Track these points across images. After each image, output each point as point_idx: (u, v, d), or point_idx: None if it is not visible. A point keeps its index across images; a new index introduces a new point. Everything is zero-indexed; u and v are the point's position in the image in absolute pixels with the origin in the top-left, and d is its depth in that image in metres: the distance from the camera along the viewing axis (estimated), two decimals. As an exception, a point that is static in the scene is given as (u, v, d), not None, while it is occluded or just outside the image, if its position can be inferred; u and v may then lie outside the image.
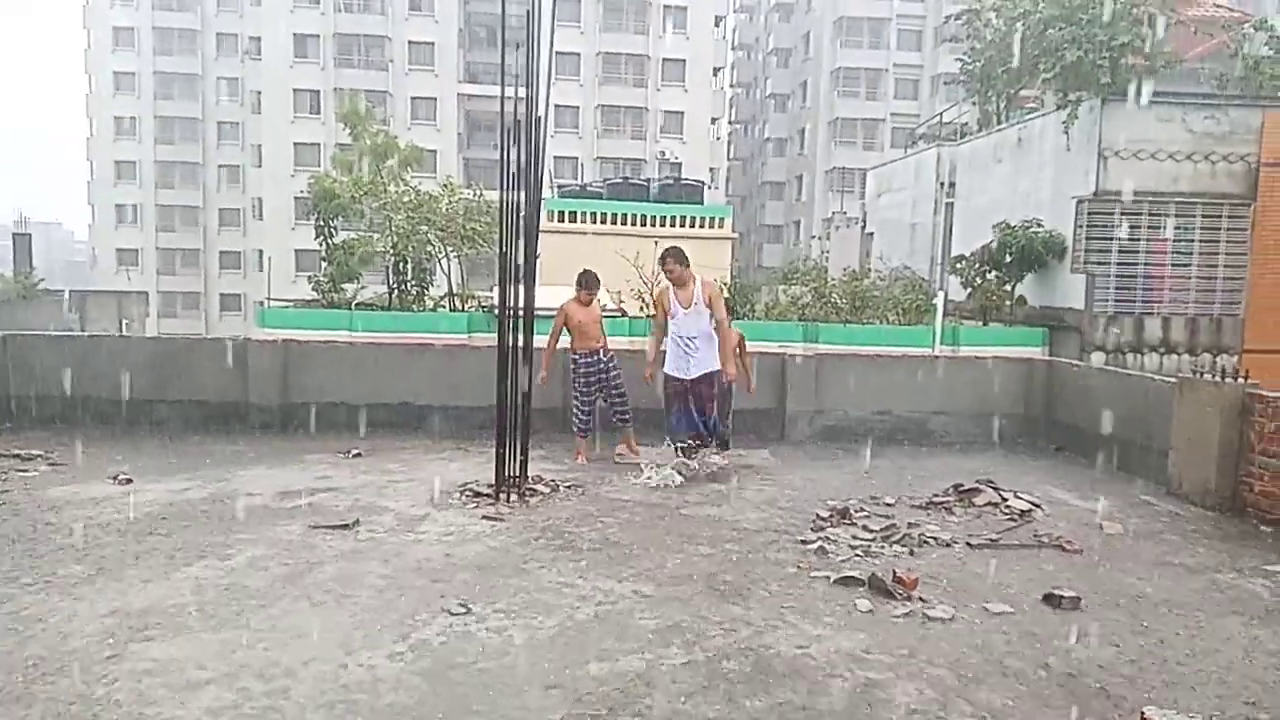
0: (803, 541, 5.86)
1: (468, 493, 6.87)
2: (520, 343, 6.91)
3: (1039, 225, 15.23)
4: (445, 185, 17.02)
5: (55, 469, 7.41)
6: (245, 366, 9.33)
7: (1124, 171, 14.42)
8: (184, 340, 10.92)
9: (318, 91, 49.80)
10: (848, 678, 3.88)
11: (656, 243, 16.46)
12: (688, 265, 7.83)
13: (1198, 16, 17.83)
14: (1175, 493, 7.43)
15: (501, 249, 6.83)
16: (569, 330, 8.27)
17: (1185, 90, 15.46)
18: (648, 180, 27.93)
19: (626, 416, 8.44)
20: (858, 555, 5.59)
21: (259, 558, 5.24)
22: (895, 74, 57.43)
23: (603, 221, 22.71)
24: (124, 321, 29.02)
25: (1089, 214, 14.66)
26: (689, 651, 4.09)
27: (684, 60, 52.16)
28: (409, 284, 16.17)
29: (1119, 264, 14.71)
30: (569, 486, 7.21)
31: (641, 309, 13.81)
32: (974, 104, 20.86)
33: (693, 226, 23.27)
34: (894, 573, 5.04)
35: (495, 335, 7.03)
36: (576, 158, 51.18)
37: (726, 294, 15.02)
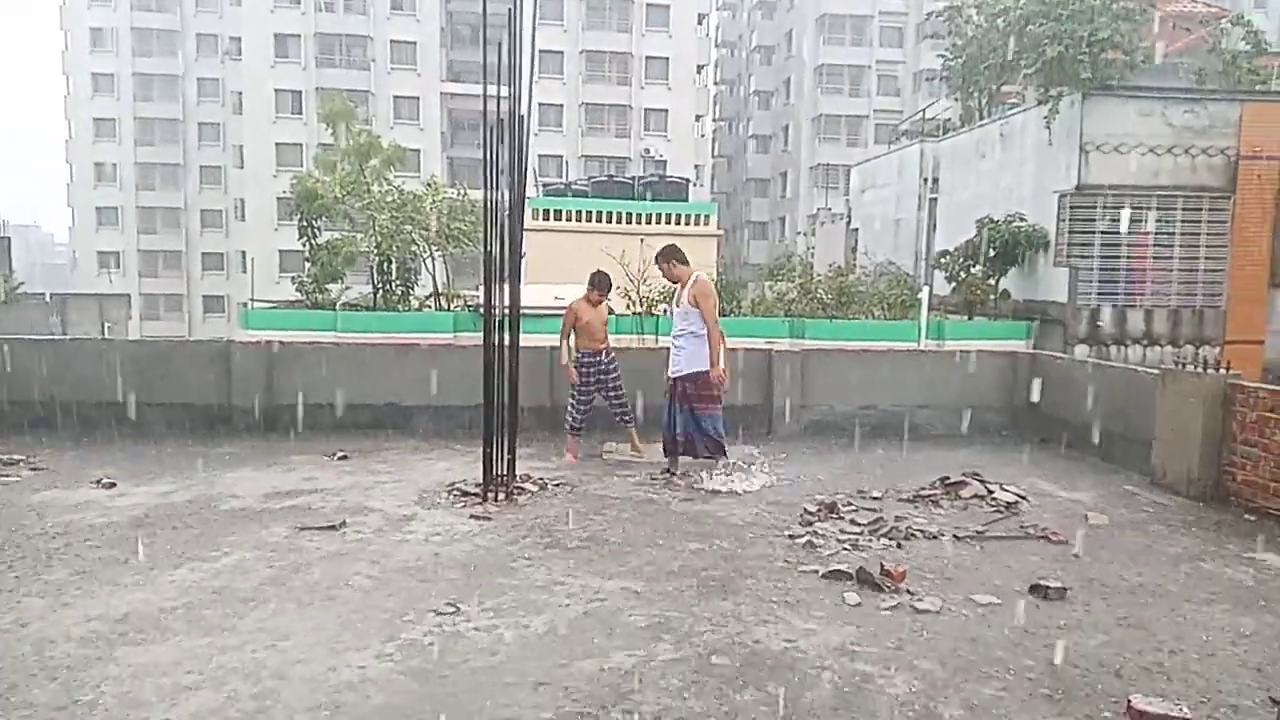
0: (791, 536, 5.87)
1: (455, 492, 6.85)
2: (507, 342, 6.90)
3: (1022, 220, 15.34)
4: (429, 185, 16.98)
5: (38, 473, 7.33)
6: (229, 368, 9.27)
7: (1105, 165, 14.55)
8: (167, 343, 10.84)
9: (299, 92, 49.50)
10: (837, 671, 3.89)
11: (642, 240, 16.50)
12: (683, 262, 7.73)
13: (1176, 12, 17.99)
14: (1159, 483, 7.50)
15: (486, 248, 6.81)
16: (575, 329, 8.29)
17: (1165, 85, 15.60)
18: (632, 178, 27.94)
19: (628, 417, 8.48)
20: (846, 549, 5.61)
21: (245, 560, 5.21)
22: (878, 70, 57.63)
23: (588, 220, 22.71)
24: (106, 324, 28.75)
25: (1071, 208, 14.78)
26: (678, 647, 4.10)
27: (667, 58, 52.16)
28: (394, 284, 16.12)
29: (1101, 257, 14.84)
30: (557, 485, 7.20)
31: (628, 307, 13.82)
32: (956, 100, 20.98)
33: (678, 224, 23.28)
34: (882, 566, 5.07)
35: (481, 334, 7.00)
36: (561, 156, 51.10)
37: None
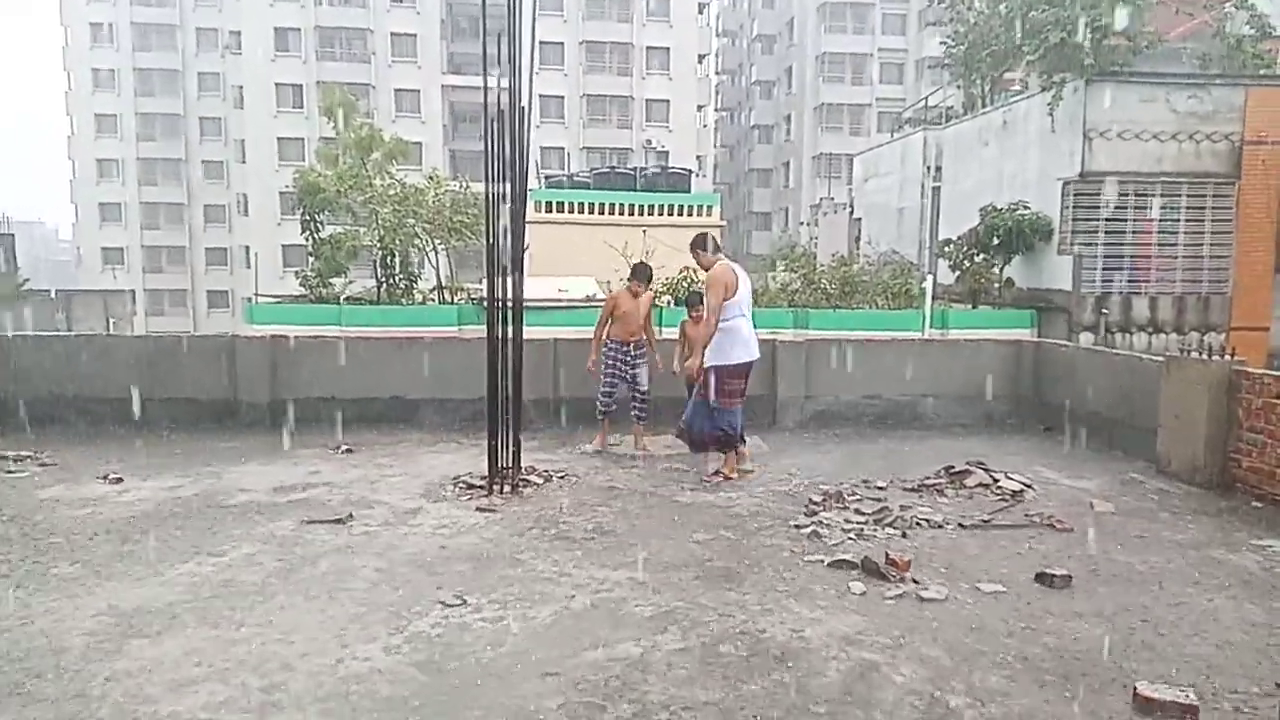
0: (796, 526, 5.88)
1: (461, 485, 6.86)
2: (510, 334, 6.90)
3: (1025, 207, 15.26)
4: (431, 177, 16.93)
5: (45, 469, 7.36)
6: (234, 363, 9.29)
7: (1109, 152, 14.47)
8: (172, 338, 10.85)
9: (300, 85, 49.40)
10: (842, 660, 3.90)
11: (644, 232, 16.47)
12: (711, 251, 7.49)
13: (1180, -4, 17.85)
14: (1164, 470, 7.49)
15: (489, 241, 6.81)
16: (613, 317, 8.26)
17: (1168, 70, 15.50)
18: (634, 169, 27.85)
19: (643, 415, 8.41)
20: (851, 538, 5.62)
21: (252, 554, 5.23)
22: (880, 58, 57.36)
23: (590, 211, 22.66)
24: (111, 320, 28.81)
25: (1075, 195, 14.71)
26: (684, 637, 4.11)
27: (668, 48, 51.94)
28: (397, 277, 16.08)
29: (1106, 244, 14.76)
30: (562, 476, 7.22)
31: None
32: (959, 87, 20.87)
33: (680, 215, 23.23)
34: (887, 555, 5.07)
35: (485, 327, 7.01)
36: (563, 148, 50.96)
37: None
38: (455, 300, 15.80)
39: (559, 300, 13.97)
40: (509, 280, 6.87)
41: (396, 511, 6.18)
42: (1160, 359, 7.95)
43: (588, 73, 51.73)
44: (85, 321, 26.66)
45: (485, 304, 6.97)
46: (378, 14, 50.26)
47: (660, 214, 22.78)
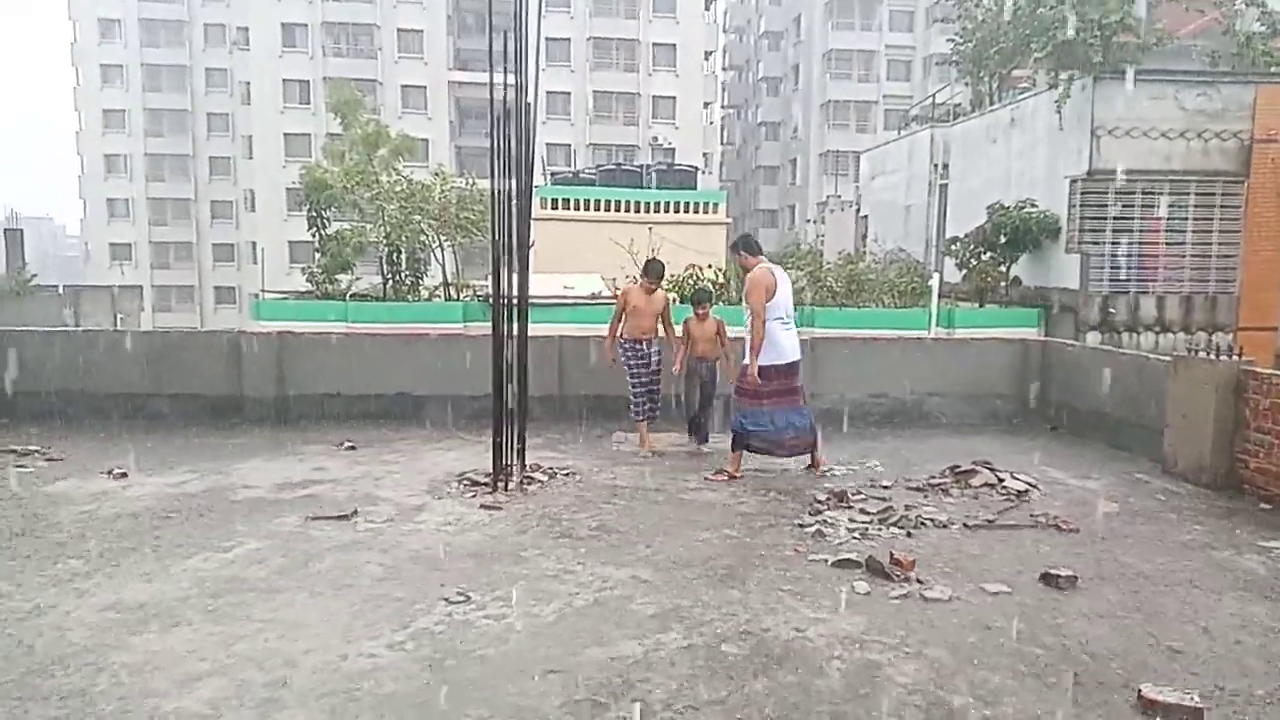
0: (800, 525, 5.88)
1: (465, 482, 6.87)
2: (516, 331, 6.90)
3: (1033, 205, 15.21)
4: (437, 174, 16.94)
5: (52, 464, 7.39)
6: (240, 359, 9.32)
7: (1117, 150, 14.40)
8: (179, 334, 10.88)
9: (307, 81, 49.47)
10: (846, 659, 3.90)
11: (650, 229, 16.47)
12: (753, 253, 7.45)
13: (1190, -7, 17.74)
14: (1171, 471, 7.46)
15: (495, 237, 6.81)
16: (625, 314, 8.22)
17: (1178, 68, 15.42)
18: (641, 166, 27.83)
19: (653, 414, 8.35)
20: (855, 538, 5.61)
21: (257, 550, 5.25)
22: (887, 55, 57.22)
23: (596, 208, 22.66)
24: (118, 316, 28.87)
25: (1082, 193, 14.65)
26: (688, 636, 4.11)
27: (675, 44, 51.86)
28: (403, 274, 16.10)
29: (1113, 243, 14.70)
30: (566, 474, 7.22)
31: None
32: (966, 85, 20.79)
33: (687, 212, 23.22)
34: (891, 554, 5.06)
35: (490, 324, 7.01)
36: (569, 144, 50.96)
37: (720, 279, 15.01)
38: (461, 297, 15.82)
39: (565, 297, 13.98)
40: (515, 277, 6.87)
41: (401, 508, 6.19)
42: (1167, 359, 7.92)
43: (594, 69, 51.70)
44: (93, 317, 26.71)
45: (491, 301, 6.97)
46: (384, 10, 50.30)
47: (666, 211, 22.77)
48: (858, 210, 25.26)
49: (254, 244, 48.24)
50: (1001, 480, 6.97)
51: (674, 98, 51.85)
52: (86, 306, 27.55)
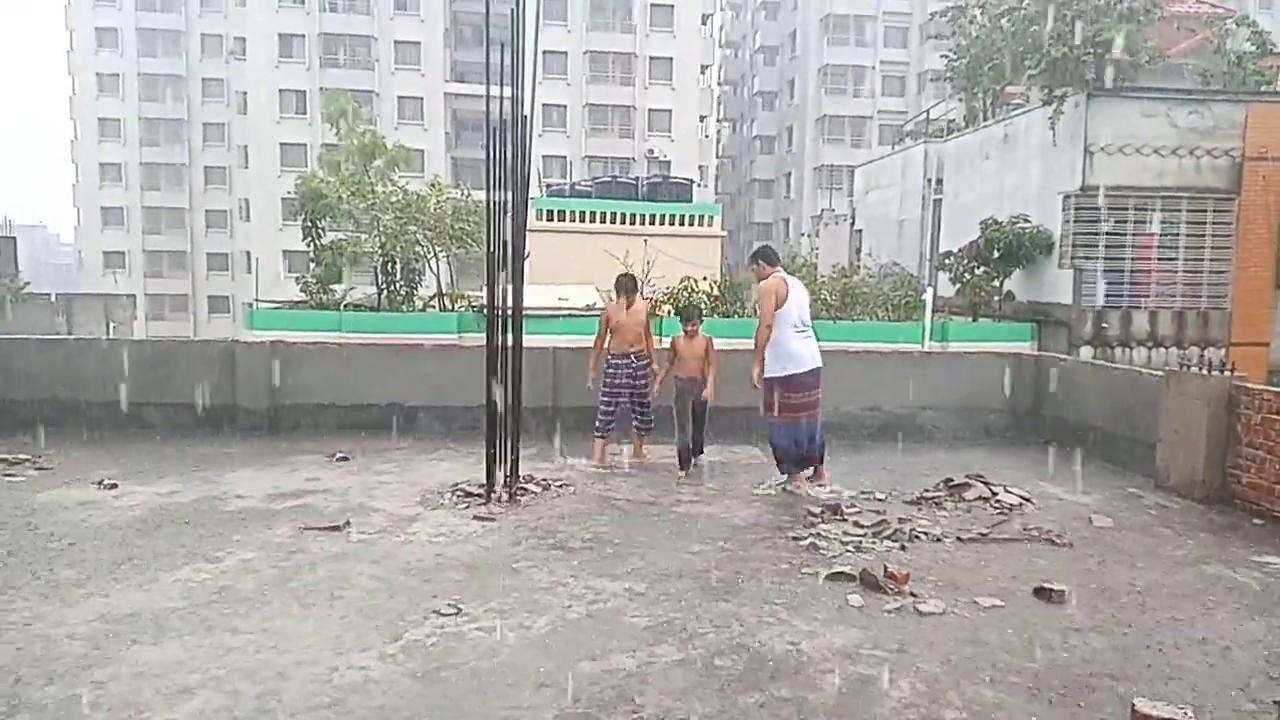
0: (794, 538, 5.87)
1: (458, 493, 6.85)
2: (510, 342, 6.90)
3: (1026, 221, 15.30)
4: (433, 185, 16.98)
5: (43, 473, 7.35)
6: (234, 369, 9.29)
7: (1110, 167, 14.51)
8: (172, 343, 10.86)
9: (303, 92, 49.51)
10: (839, 673, 3.89)
11: (645, 241, 16.49)
12: (770, 263, 7.49)
13: (1181, 12, 17.94)
14: (1163, 485, 7.48)
15: (490, 248, 6.81)
16: (610, 331, 8.16)
17: (1169, 86, 15.56)
18: (636, 179, 27.94)
19: (644, 426, 8.30)
20: (849, 551, 5.60)
21: (249, 560, 5.22)
22: (882, 71, 57.51)
23: (591, 220, 22.71)
24: (111, 324, 28.79)
25: (1075, 209, 14.74)
26: (681, 649, 4.09)
27: (671, 58, 52.08)
28: (398, 284, 16.11)
29: (1106, 259, 14.80)
30: (560, 486, 7.20)
31: (631, 307, 13.77)
32: (960, 100, 20.95)
33: (682, 225, 23.29)
34: (885, 568, 5.06)
35: (485, 335, 7.01)
36: (565, 157, 51.05)
37: (715, 291, 15.03)
38: (455, 308, 15.82)
39: (559, 309, 13.99)
40: (509, 288, 6.87)
41: (394, 519, 6.17)
42: (1160, 374, 7.94)
43: (590, 82, 51.86)
44: (86, 325, 26.63)
45: (485, 312, 6.96)
46: (381, 21, 50.42)
47: (661, 223, 22.83)
48: (852, 224, 25.36)
49: (248, 253, 48.19)
50: (995, 494, 6.97)
51: (670, 111, 52.03)
52: (79, 315, 27.47)
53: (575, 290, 15.24)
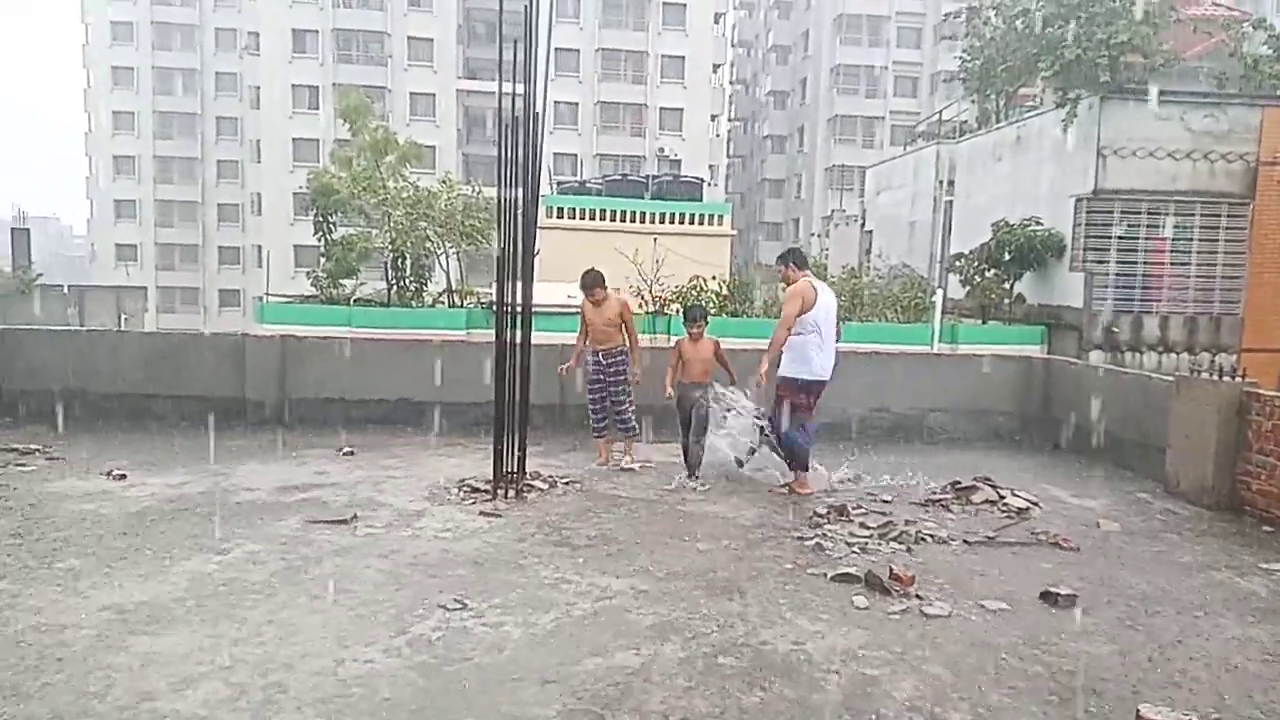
0: (800, 538, 5.86)
1: (465, 488, 6.87)
2: (519, 339, 6.91)
3: (1038, 223, 15.23)
4: (444, 181, 17.03)
5: (53, 463, 7.40)
6: (243, 362, 9.33)
7: (1123, 170, 14.43)
8: (182, 336, 10.91)
9: (316, 87, 49.70)
10: (844, 674, 3.88)
11: (655, 240, 16.49)
12: (800, 266, 7.40)
13: (1197, 15, 17.84)
14: (1172, 491, 7.44)
15: (500, 245, 6.82)
16: (587, 329, 8.02)
17: (1184, 89, 15.46)
18: (647, 177, 27.89)
19: (626, 426, 8.03)
20: (855, 552, 5.60)
21: (256, 553, 5.24)
22: (894, 71, 57.35)
23: (601, 218, 22.70)
24: (122, 317, 28.92)
25: (1088, 212, 14.67)
26: (685, 647, 4.10)
27: (683, 57, 52.07)
28: (408, 280, 16.17)
29: (1118, 262, 14.72)
30: (567, 482, 7.21)
31: (640, 306, 13.80)
32: (973, 102, 20.86)
33: (692, 224, 23.25)
34: (891, 570, 5.05)
35: (494, 331, 7.02)
36: (575, 154, 51.11)
37: (725, 290, 15.00)
38: (465, 304, 15.85)
39: (568, 306, 13.98)
40: (519, 285, 6.88)
41: (401, 514, 6.19)
42: (1170, 379, 7.90)
43: (602, 80, 51.91)
44: (97, 317, 26.75)
45: (494, 308, 6.97)
46: (395, 18, 50.56)
47: (671, 222, 22.79)
48: (862, 225, 25.30)
49: (259, 247, 48.36)
50: (1002, 497, 6.95)
51: (681, 110, 52.01)
52: (91, 306, 27.60)
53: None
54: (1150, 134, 14.40)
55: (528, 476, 7.04)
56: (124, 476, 6.92)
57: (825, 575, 5.12)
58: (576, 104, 51.24)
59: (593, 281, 7.90)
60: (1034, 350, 14.08)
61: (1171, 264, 14.78)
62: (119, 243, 62.64)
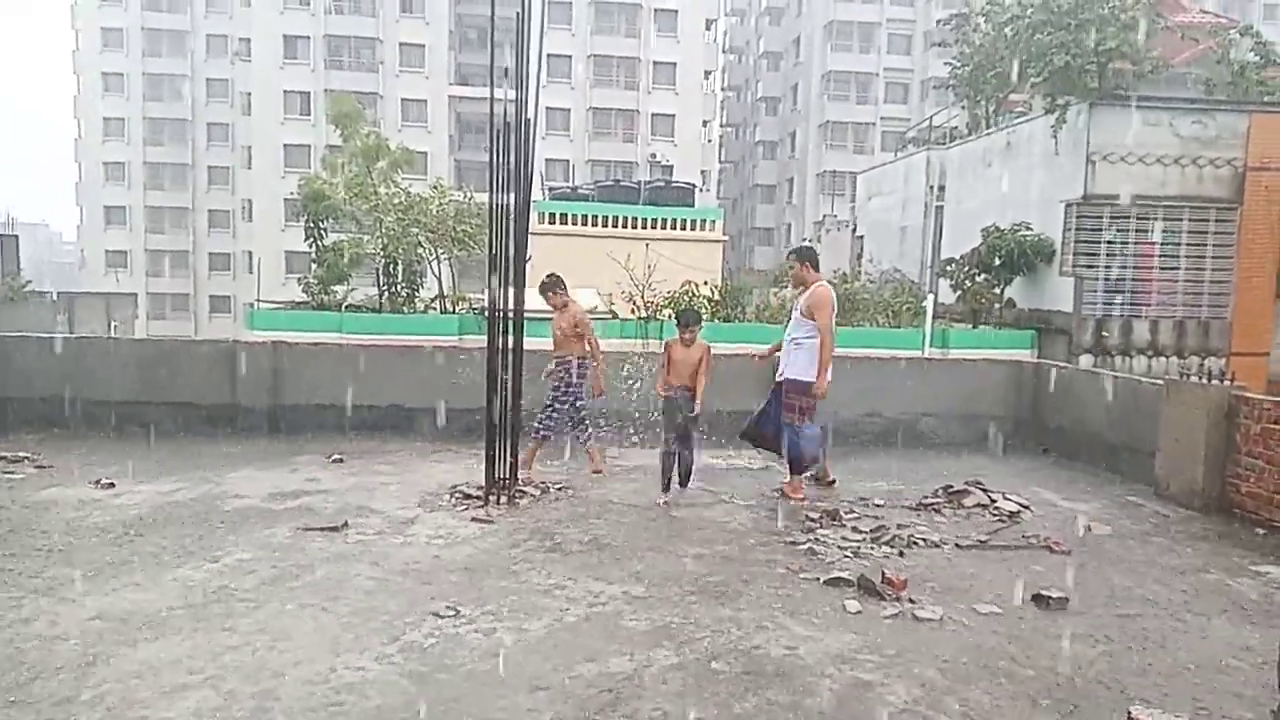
0: (792, 543, 5.87)
1: (457, 495, 6.85)
2: (511, 344, 6.91)
3: (1028, 228, 15.31)
4: (436, 187, 17.02)
5: (42, 471, 7.35)
6: (234, 369, 9.29)
7: (1112, 175, 14.52)
8: (173, 342, 10.87)
9: (308, 93, 49.63)
10: (836, 678, 3.89)
11: (647, 245, 16.50)
12: (816, 267, 7.43)
13: (1184, 22, 17.99)
14: (1162, 494, 7.47)
15: (492, 251, 6.82)
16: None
17: (1172, 95, 15.58)
18: (639, 183, 27.95)
19: (582, 436, 7.93)
20: (847, 556, 5.60)
21: (247, 560, 5.22)
22: (885, 78, 57.64)
23: (593, 224, 22.73)
24: (112, 323, 28.83)
25: (1077, 217, 14.75)
26: (678, 653, 4.09)
27: (675, 63, 52.21)
28: (399, 286, 16.14)
29: (1107, 267, 14.80)
30: (559, 488, 7.21)
31: (632, 311, 13.82)
32: (963, 108, 20.99)
33: (683, 229, 23.30)
34: (883, 574, 5.06)
35: (486, 337, 7.01)
36: (567, 160, 51.15)
37: (717, 295, 15.04)
38: (457, 310, 15.83)
39: (560, 312, 13.97)
40: (511, 291, 6.87)
41: (392, 520, 6.17)
42: (1160, 382, 7.95)
43: (594, 86, 51.98)
44: (87, 324, 26.65)
45: (486, 314, 6.95)
46: (387, 24, 50.55)
47: (663, 227, 22.85)
48: (853, 230, 25.39)
49: (250, 254, 48.28)
50: (994, 501, 6.97)
51: (673, 116, 52.12)
52: (80, 313, 27.49)
53: (576, 293, 15.25)
54: (1139, 140, 14.50)
55: (520, 483, 7.03)
56: (113, 485, 6.87)
57: (818, 580, 5.12)
58: (568, 110, 51.30)
59: (549, 286, 7.84)
60: (1024, 354, 14.14)
61: (1161, 268, 14.87)
62: (109, 249, 62.41)
